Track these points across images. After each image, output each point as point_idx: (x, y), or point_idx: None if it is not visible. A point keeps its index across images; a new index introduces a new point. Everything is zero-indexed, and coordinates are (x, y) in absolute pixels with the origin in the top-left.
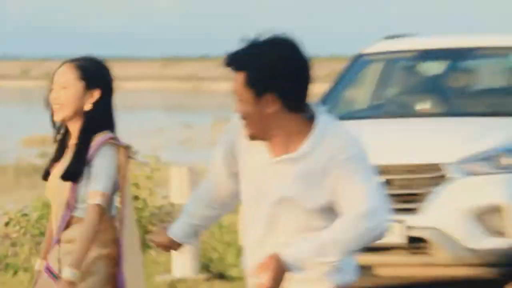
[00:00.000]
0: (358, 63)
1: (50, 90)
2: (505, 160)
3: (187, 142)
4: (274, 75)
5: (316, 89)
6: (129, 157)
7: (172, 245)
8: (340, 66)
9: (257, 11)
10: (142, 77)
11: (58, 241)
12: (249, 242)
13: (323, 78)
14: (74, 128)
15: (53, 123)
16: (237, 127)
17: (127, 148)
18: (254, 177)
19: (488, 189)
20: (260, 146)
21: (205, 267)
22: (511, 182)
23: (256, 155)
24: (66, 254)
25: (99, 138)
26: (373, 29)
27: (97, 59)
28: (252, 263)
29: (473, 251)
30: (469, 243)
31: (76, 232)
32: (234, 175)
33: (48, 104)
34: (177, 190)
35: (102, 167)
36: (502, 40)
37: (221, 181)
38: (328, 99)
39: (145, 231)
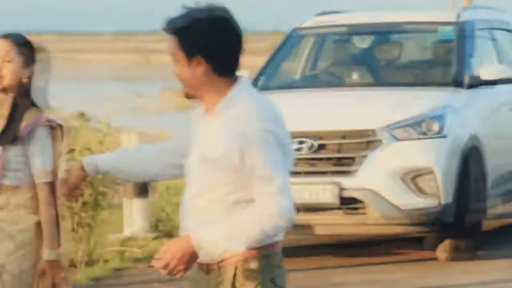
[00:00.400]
0: (293, 37)
1: None
2: (429, 127)
3: (137, 109)
4: (203, 40)
5: (259, 62)
6: (63, 135)
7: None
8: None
9: None
10: (95, 50)
11: None
12: (183, 201)
13: (265, 51)
14: (9, 98)
15: None
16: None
17: (61, 127)
18: (194, 137)
19: (414, 153)
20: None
21: (154, 226)
22: (435, 147)
23: (199, 118)
24: None
25: (35, 118)
26: (314, 7)
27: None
28: (185, 223)
29: (401, 210)
30: (398, 202)
31: (4, 199)
32: None
33: None
34: None
35: (43, 146)
36: (426, 16)
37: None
38: (266, 70)
39: (97, 193)
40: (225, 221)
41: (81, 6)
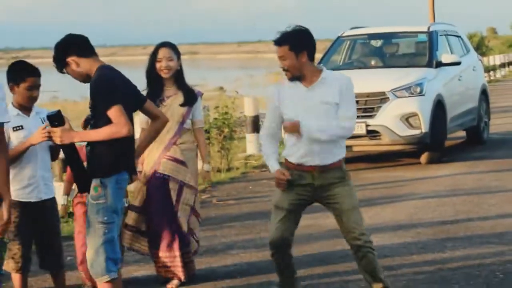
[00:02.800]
0: (337, 41)
1: None
2: (415, 89)
3: (252, 85)
4: (305, 43)
5: (318, 56)
6: None
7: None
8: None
9: None
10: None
11: None
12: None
13: (322, 50)
14: None
15: None
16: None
17: None
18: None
19: (407, 105)
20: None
21: None
22: (418, 101)
23: (297, 90)
24: None
25: None
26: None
27: None
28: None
29: (401, 137)
30: (399, 132)
31: None
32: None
33: None
34: None
35: None
36: (411, 28)
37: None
38: (323, 60)
39: (231, 130)
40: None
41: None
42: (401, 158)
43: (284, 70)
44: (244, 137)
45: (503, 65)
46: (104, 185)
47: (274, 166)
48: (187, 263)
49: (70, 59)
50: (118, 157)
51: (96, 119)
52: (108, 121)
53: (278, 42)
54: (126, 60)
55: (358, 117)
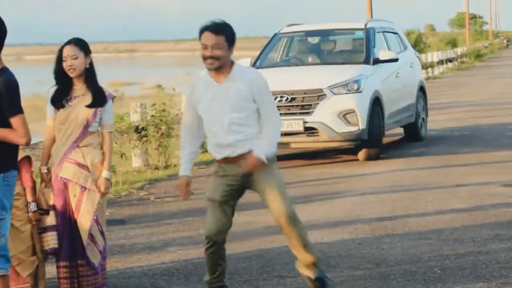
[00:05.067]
0: (274, 38)
1: None
2: (352, 86)
3: (189, 81)
4: (235, 39)
5: (256, 54)
6: None
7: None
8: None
9: None
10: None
11: None
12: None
13: (259, 47)
14: None
15: None
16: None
17: None
18: (207, 96)
19: (344, 102)
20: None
21: (201, 146)
22: (355, 98)
23: (212, 85)
24: None
25: None
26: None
27: None
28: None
29: (339, 133)
30: (337, 129)
31: None
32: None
33: None
34: None
35: None
36: (348, 25)
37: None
38: (260, 57)
39: (169, 128)
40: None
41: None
42: (339, 155)
43: (211, 58)
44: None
45: (441, 62)
46: None
47: (181, 171)
48: (83, 276)
49: None
50: (5, 155)
51: None
52: (3, 123)
53: (216, 30)
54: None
55: (295, 114)
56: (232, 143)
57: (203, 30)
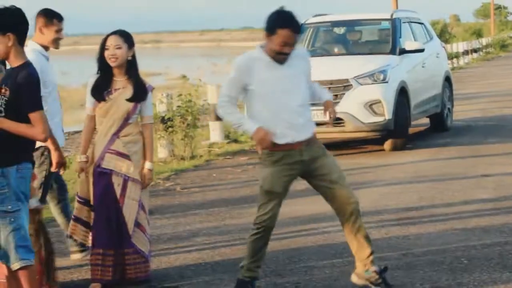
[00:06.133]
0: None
1: None
2: (378, 76)
3: (215, 73)
4: None
5: None
6: None
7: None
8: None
9: None
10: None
11: None
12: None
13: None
14: None
15: None
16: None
17: None
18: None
19: (370, 92)
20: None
21: (226, 136)
22: (381, 88)
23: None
24: None
25: None
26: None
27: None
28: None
29: (365, 124)
30: (363, 119)
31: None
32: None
33: None
34: None
35: None
36: (374, 15)
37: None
38: None
39: (195, 118)
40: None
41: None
42: (365, 145)
43: (286, 54)
44: (207, 125)
45: (466, 52)
46: (5, 174)
47: (253, 125)
48: (130, 264)
49: (9, 34)
50: (19, 147)
51: (10, 111)
52: (21, 117)
53: (299, 30)
54: (88, 49)
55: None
56: (299, 126)
57: (285, 25)
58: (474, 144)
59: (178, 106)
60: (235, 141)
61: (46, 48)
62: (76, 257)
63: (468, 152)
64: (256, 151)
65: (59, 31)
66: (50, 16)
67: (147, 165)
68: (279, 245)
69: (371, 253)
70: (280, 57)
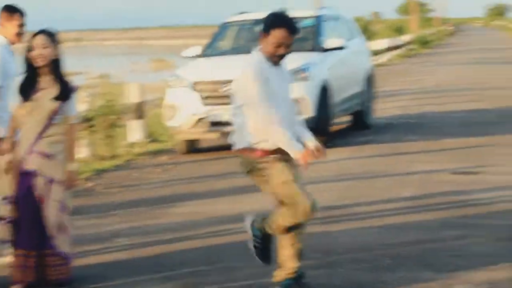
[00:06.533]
0: (223, 27)
1: None
2: (301, 74)
3: (135, 71)
4: None
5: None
6: None
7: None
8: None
9: None
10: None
11: None
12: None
13: (209, 36)
14: None
15: None
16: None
17: None
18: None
19: (294, 90)
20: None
21: (148, 136)
22: (304, 86)
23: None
24: None
25: None
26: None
27: None
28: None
29: None
30: None
31: None
32: None
33: None
34: None
35: None
36: (298, 13)
37: None
38: (210, 45)
39: (115, 119)
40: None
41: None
42: None
43: (282, 56)
44: (128, 124)
45: (388, 49)
46: None
47: (300, 147)
48: (51, 266)
49: None
50: None
51: None
52: None
53: (294, 31)
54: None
55: None
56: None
57: (279, 26)
58: (396, 141)
59: (101, 106)
60: (156, 140)
61: (11, 42)
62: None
63: (390, 150)
64: (174, 150)
65: (21, 25)
66: (12, 11)
67: (72, 166)
68: (198, 245)
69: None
70: (274, 58)
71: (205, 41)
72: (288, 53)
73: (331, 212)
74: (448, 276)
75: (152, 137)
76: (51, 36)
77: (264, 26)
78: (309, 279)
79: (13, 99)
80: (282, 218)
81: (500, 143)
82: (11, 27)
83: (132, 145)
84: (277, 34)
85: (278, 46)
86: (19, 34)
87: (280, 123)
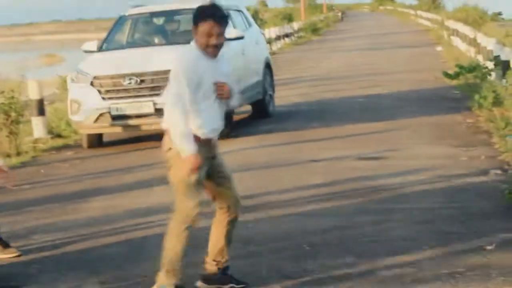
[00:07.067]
0: (120, 20)
1: None
2: None
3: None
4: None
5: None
6: None
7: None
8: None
9: None
10: None
11: None
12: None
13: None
14: None
15: None
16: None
17: None
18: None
19: None
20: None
21: (49, 131)
22: None
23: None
24: None
25: None
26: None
27: None
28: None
29: None
30: None
31: None
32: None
33: None
34: None
35: None
36: (192, 5)
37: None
38: (107, 39)
39: (18, 115)
40: None
41: None
42: None
43: (217, 47)
44: (30, 120)
45: (278, 38)
46: None
47: (192, 149)
48: None
49: None
50: None
51: None
52: None
53: (222, 20)
54: None
55: (145, 96)
56: (220, 125)
57: (207, 17)
58: (299, 129)
59: (2, 103)
60: (59, 136)
61: None
62: None
63: (294, 138)
64: (79, 145)
65: None
66: None
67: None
68: (118, 239)
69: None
70: (208, 50)
71: (102, 35)
72: (221, 42)
73: (244, 202)
74: (371, 260)
75: (54, 133)
76: None
77: (193, 19)
78: (233, 270)
79: None
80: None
81: (401, 127)
82: None
83: (36, 141)
84: (205, 26)
85: (209, 36)
86: None
87: (196, 117)
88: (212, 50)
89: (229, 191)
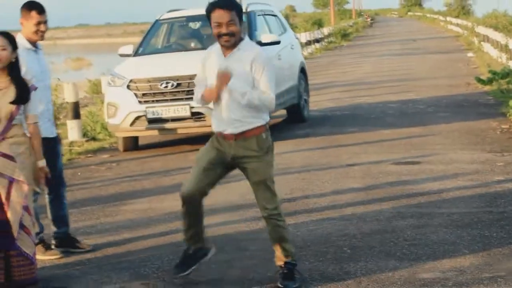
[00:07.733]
0: (155, 25)
1: None
2: None
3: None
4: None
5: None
6: None
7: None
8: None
9: None
10: None
11: None
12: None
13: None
14: None
15: None
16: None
17: None
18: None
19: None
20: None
21: (84, 135)
22: None
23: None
24: None
25: None
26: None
27: None
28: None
29: None
30: None
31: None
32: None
33: None
34: None
35: None
36: None
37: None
38: (142, 44)
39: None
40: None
41: None
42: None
43: (227, 35)
44: (65, 123)
45: (308, 43)
46: None
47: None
48: (15, 267)
49: None
50: None
51: None
52: None
53: (229, 6)
54: None
55: (181, 99)
56: (228, 120)
57: (212, 8)
58: (334, 134)
59: None
60: (93, 139)
61: (32, 40)
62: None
63: (330, 142)
64: (114, 148)
65: (39, 23)
66: (29, 9)
67: (40, 163)
68: (160, 242)
69: None
70: (221, 40)
71: (136, 39)
72: (232, 31)
73: (282, 205)
74: (412, 264)
75: (89, 136)
76: (8, 38)
77: (206, 14)
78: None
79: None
80: None
81: (435, 132)
82: (29, 25)
83: (71, 144)
84: (213, 16)
85: (219, 26)
86: (38, 32)
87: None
88: (224, 40)
89: (256, 198)
